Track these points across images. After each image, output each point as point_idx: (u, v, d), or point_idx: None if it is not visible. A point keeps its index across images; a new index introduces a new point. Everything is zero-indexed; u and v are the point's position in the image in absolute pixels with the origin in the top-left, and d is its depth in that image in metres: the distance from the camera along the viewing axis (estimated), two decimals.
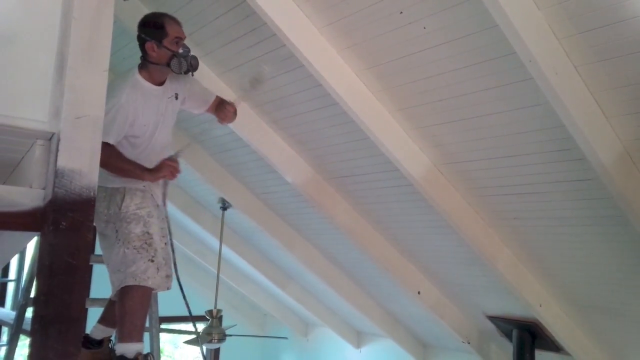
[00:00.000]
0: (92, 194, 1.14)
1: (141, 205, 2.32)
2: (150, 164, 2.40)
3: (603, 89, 2.10)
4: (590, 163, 2.30)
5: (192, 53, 2.42)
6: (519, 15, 1.87)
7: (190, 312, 2.65)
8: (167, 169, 2.40)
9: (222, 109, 2.57)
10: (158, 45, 2.32)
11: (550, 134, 2.40)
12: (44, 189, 1.15)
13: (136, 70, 2.37)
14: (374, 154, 3.01)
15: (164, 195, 2.43)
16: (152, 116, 2.40)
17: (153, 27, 2.34)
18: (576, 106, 2.10)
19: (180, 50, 2.36)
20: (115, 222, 2.29)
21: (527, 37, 1.91)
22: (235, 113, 2.59)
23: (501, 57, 2.18)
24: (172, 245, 2.43)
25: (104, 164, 2.32)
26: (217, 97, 2.65)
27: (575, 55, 2.02)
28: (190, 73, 2.42)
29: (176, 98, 2.49)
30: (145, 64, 2.38)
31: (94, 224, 2.37)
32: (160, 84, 2.42)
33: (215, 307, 4.74)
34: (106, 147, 2.26)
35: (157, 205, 2.43)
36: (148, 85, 2.37)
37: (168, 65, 2.35)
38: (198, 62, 2.44)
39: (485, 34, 2.12)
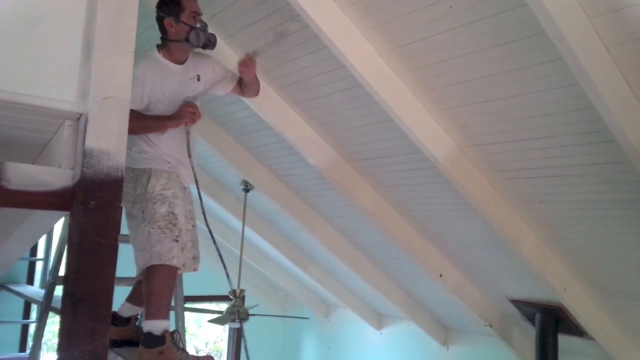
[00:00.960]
0: (119, 174, 1.16)
1: (167, 186, 2.35)
2: (172, 142, 2.42)
3: (635, 70, 2.04)
4: (620, 145, 2.25)
5: (212, 32, 2.44)
6: None
7: (230, 282, 2.66)
8: (187, 115, 2.40)
9: (242, 63, 2.53)
10: (176, 20, 2.36)
11: (579, 115, 2.35)
12: (72, 169, 1.17)
13: (155, 48, 2.41)
14: (397, 136, 2.99)
15: (188, 144, 2.43)
16: (168, 92, 2.42)
17: (170, 4, 2.38)
18: (606, 87, 2.05)
19: (198, 25, 2.39)
20: (141, 203, 2.33)
21: (557, 16, 1.86)
22: (253, 62, 2.53)
23: (529, 36, 2.13)
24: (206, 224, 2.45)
25: (134, 127, 2.38)
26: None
27: (606, 35, 1.97)
28: (208, 48, 2.45)
29: (198, 80, 2.51)
30: (165, 43, 2.43)
31: (122, 205, 2.41)
32: (181, 63, 2.45)
33: (238, 287, 4.79)
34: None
35: (184, 188, 2.46)
36: (166, 62, 2.42)
37: (187, 40, 2.37)
38: (216, 39, 2.46)
39: (513, 13, 2.08)
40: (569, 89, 2.23)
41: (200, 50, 2.48)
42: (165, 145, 2.41)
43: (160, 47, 2.43)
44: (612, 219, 2.87)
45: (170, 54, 2.43)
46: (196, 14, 2.41)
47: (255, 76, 2.62)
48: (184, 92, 2.46)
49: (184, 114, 2.39)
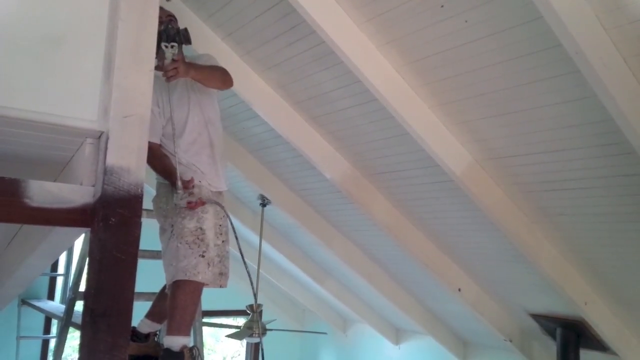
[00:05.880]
0: (139, 190, 1.17)
1: None
2: (196, 143, 2.45)
3: None
4: (639, 157, 2.23)
5: (183, 28, 2.41)
6: (564, 6, 1.82)
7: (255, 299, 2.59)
8: (169, 71, 2.28)
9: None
10: None
11: (598, 127, 2.33)
12: (93, 186, 1.19)
13: None
14: (413, 149, 2.99)
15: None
16: (175, 103, 2.42)
17: None
18: (625, 99, 2.03)
19: (162, 27, 2.35)
20: (172, 217, 2.35)
21: (574, 28, 1.86)
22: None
23: (546, 49, 2.13)
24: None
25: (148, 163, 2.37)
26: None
27: (624, 46, 1.95)
28: (182, 44, 2.38)
29: None
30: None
31: (156, 219, 2.45)
32: None
33: (255, 302, 4.79)
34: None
35: (219, 194, 2.48)
36: (160, 73, 2.42)
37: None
38: (187, 32, 2.39)
39: (529, 26, 2.08)
40: (588, 101, 2.22)
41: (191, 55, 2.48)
42: (189, 155, 2.42)
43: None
44: (633, 232, 2.83)
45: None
46: (158, 17, 2.43)
47: (204, 71, 2.48)
48: (189, 93, 2.48)
49: (168, 74, 2.29)
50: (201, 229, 2.32)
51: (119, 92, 1.18)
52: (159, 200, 2.45)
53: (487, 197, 2.97)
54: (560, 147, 2.54)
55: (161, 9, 2.43)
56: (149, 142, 2.22)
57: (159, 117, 2.38)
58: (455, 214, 3.48)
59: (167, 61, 2.29)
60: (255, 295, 4.85)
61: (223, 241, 2.44)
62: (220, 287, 2.40)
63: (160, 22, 2.37)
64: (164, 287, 2.49)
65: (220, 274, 2.38)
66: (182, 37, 2.40)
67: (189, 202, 2.30)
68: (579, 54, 1.91)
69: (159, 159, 2.38)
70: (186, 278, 2.26)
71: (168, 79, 2.31)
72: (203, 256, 2.29)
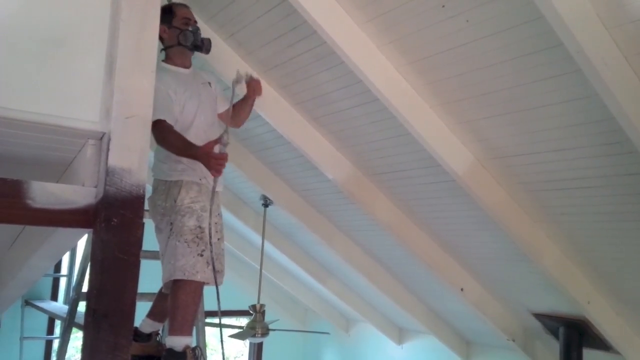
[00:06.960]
0: (141, 191, 1.17)
1: (196, 199, 2.36)
2: (199, 141, 2.39)
3: None
4: None
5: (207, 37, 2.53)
6: (565, 5, 1.82)
7: (219, 307, 2.61)
8: (213, 167, 2.26)
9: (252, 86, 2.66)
10: (168, 26, 2.44)
11: (600, 126, 2.33)
12: (95, 187, 1.19)
13: (160, 61, 2.48)
14: (415, 149, 2.99)
15: (213, 189, 2.36)
16: (188, 96, 2.44)
17: (162, 12, 2.40)
18: (626, 98, 2.02)
19: (190, 29, 2.46)
20: (170, 215, 2.34)
21: (574, 27, 1.85)
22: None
23: (547, 49, 2.12)
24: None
25: (161, 140, 2.33)
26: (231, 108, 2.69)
27: (625, 45, 1.95)
28: (201, 50, 2.52)
29: (210, 85, 2.60)
30: (165, 52, 2.51)
31: (152, 218, 2.45)
32: (186, 67, 2.53)
33: (258, 302, 4.80)
34: (158, 123, 2.25)
35: (216, 192, 2.47)
36: (173, 68, 2.48)
37: (179, 43, 2.45)
38: (210, 43, 2.54)
39: (530, 26, 2.07)
40: (591, 100, 2.21)
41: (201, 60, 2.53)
42: None
43: (164, 58, 2.51)
44: (636, 231, 2.82)
45: (172, 60, 2.51)
46: (187, 19, 2.49)
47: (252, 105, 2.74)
48: (200, 94, 2.50)
49: (211, 166, 2.26)
50: (200, 227, 2.32)
51: (121, 93, 1.18)
52: (157, 198, 2.44)
53: (489, 196, 2.97)
54: (563, 146, 2.54)
55: (190, 10, 2.50)
56: (163, 122, 2.28)
57: (175, 104, 2.38)
58: (457, 214, 3.47)
59: (246, 80, 2.56)
60: (257, 295, 4.86)
61: (219, 239, 2.45)
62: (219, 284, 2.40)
63: (189, 24, 2.45)
64: None
65: (217, 272, 2.38)
66: (206, 48, 2.52)
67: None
68: (580, 53, 1.91)
69: (175, 134, 2.31)
70: (184, 278, 2.26)
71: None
72: (202, 255, 2.29)
